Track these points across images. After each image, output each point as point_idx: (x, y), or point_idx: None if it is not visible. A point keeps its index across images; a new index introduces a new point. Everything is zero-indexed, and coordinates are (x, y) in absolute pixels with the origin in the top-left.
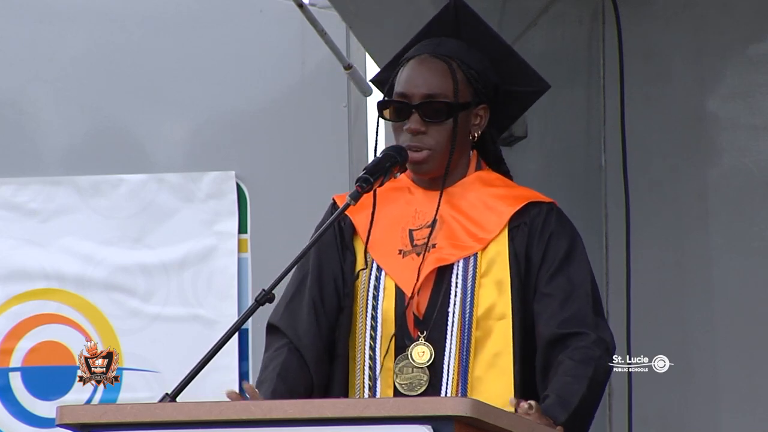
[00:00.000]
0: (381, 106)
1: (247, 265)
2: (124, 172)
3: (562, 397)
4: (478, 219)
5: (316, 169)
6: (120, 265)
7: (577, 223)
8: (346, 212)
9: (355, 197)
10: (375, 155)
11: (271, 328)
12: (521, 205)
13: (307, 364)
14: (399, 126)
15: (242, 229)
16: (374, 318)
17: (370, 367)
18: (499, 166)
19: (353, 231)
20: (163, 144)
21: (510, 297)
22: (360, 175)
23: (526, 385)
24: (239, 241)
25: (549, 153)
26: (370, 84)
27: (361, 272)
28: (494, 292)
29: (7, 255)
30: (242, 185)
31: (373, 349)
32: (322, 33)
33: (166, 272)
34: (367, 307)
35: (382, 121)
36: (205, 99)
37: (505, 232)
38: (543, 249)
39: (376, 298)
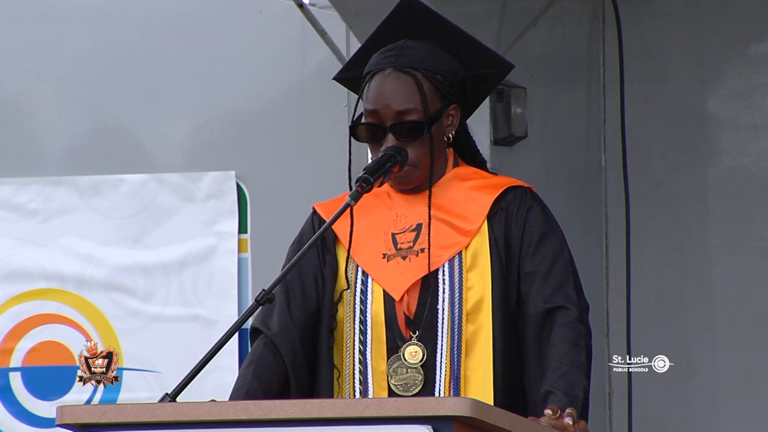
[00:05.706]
0: (353, 128)
1: (247, 265)
2: (124, 172)
3: (569, 393)
4: (461, 213)
5: (316, 169)
6: (120, 265)
7: (577, 223)
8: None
9: (356, 197)
10: (350, 167)
11: (251, 333)
12: (500, 192)
13: (280, 353)
14: (375, 145)
15: (242, 229)
16: (363, 322)
17: (360, 371)
18: (475, 158)
19: (335, 238)
20: (163, 144)
21: (491, 285)
22: (360, 175)
23: (509, 371)
24: (239, 241)
25: (549, 153)
26: None
27: (345, 275)
28: (481, 285)
29: (7, 255)
30: (242, 185)
31: (363, 353)
32: (322, 33)
33: (166, 272)
34: (354, 312)
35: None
36: (205, 99)
37: (485, 221)
38: (521, 231)
39: (364, 302)
